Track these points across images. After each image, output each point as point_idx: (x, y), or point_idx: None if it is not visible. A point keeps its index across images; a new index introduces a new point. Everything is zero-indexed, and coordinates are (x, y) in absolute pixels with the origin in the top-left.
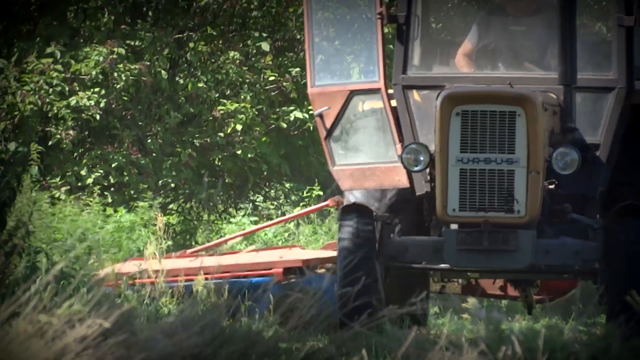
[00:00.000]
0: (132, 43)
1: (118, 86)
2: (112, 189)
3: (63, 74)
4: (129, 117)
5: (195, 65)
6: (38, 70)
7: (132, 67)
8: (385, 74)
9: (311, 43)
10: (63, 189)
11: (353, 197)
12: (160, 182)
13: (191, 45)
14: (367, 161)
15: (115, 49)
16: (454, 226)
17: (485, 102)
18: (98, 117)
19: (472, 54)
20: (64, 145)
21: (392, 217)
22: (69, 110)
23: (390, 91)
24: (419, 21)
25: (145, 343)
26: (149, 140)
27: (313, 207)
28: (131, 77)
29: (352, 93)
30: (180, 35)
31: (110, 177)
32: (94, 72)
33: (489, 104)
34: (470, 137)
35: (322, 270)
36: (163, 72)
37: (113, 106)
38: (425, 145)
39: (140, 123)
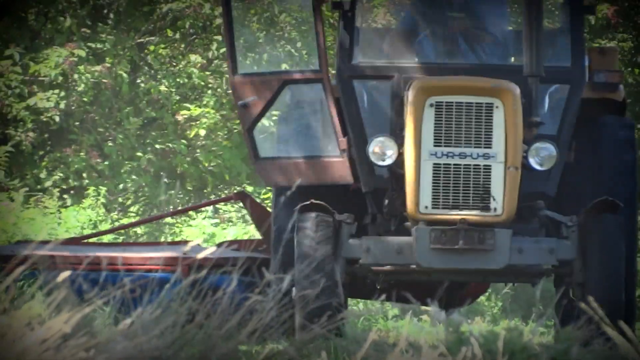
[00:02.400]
0: (93, 45)
1: (78, 88)
2: (71, 192)
3: (22, 76)
4: (89, 120)
5: (156, 69)
6: None
7: (93, 69)
8: (327, 63)
9: (230, 29)
10: (22, 190)
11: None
12: (120, 185)
13: (152, 48)
14: (301, 155)
15: (76, 51)
16: (425, 224)
17: (461, 93)
18: (57, 119)
19: (420, 42)
20: (24, 148)
21: (352, 217)
22: (27, 112)
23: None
24: (364, 7)
25: (106, 345)
26: (110, 144)
27: (213, 199)
28: (91, 80)
29: (285, 83)
30: (141, 40)
31: (70, 180)
32: (53, 74)
33: (465, 95)
34: (445, 130)
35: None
36: (124, 74)
37: (73, 108)
38: (394, 138)
39: (100, 129)
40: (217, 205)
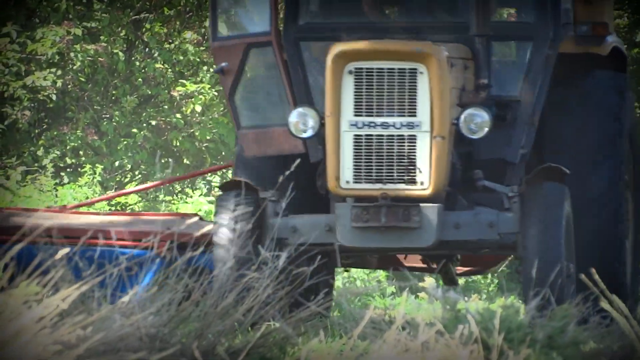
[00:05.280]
0: (89, 24)
1: (75, 67)
2: (68, 169)
3: (19, 54)
4: (85, 98)
5: (152, 47)
6: None
7: (89, 48)
8: (276, 24)
9: None
10: (19, 168)
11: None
12: (116, 163)
13: (147, 26)
14: (267, 124)
15: (72, 30)
16: (350, 200)
17: (382, 58)
18: (54, 97)
19: (368, 1)
20: (20, 126)
21: (279, 194)
22: (25, 91)
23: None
24: None
25: (102, 323)
26: (106, 122)
27: (204, 169)
28: (88, 58)
29: (249, 46)
30: (137, 17)
31: (66, 158)
32: (50, 52)
33: (386, 61)
34: (366, 99)
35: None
36: (120, 53)
37: (69, 87)
38: (315, 109)
39: (96, 107)
40: (212, 183)
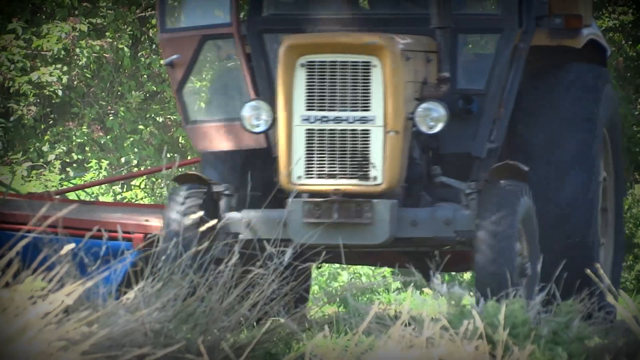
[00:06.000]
0: (95, 20)
1: (80, 63)
2: (73, 165)
3: (25, 50)
4: (91, 94)
5: (157, 43)
6: (0, 46)
7: (94, 44)
8: (238, 15)
9: None
10: (25, 164)
11: (210, 166)
12: (122, 159)
13: (153, 22)
14: (223, 117)
15: (78, 26)
16: (305, 196)
17: (335, 51)
18: (60, 93)
19: None
20: (26, 121)
21: (234, 188)
22: (30, 87)
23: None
24: None
25: (107, 319)
26: (110, 119)
27: (184, 160)
28: (93, 54)
29: (204, 38)
30: (142, 13)
31: (72, 154)
32: (55, 49)
33: (338, 54)
34: (318, 93)
35: None
36: (125, 49)
37: (75, 83)
38: (268, 102)
39: (101, 102)
40: None
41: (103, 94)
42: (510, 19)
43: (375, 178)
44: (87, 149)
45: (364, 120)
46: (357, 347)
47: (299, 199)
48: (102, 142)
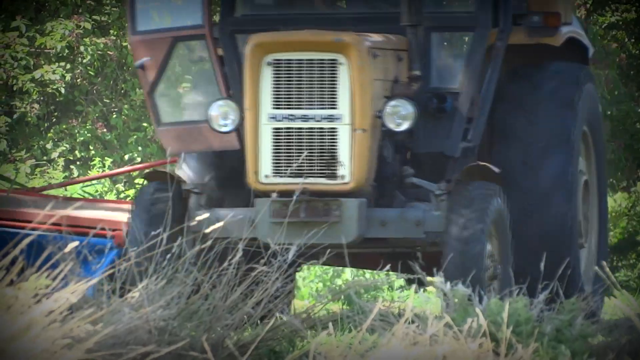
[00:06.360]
0: (98, 18)
1: (84, 60)
2: (78, 162)
3: (28, 48)
4: (94, 91)
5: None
6: (3, 44)
7: (98, 41)
8: (210, 16)
9: None
10: (28, 162)
11: (186, 165)
12: (126, 156)
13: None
14: (195, 119)
15: (81, 24)
16: (274, 195)
17: (302, 49)
18: (63, 91)
19: None
20: (29, 119)
21: (205, 187)
22: (34, 84)
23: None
24: None
25: (111, 316)
26: (114, 116)
27: (150, 162)
28: (97, 52)
29: (176, 40)
30: None
31: (76, 152)
32: (59, 46)
33: (305, 52)
34: (285, 91)
35: None
36: (129, 46)
37: (78, 80)
38: (235, 102)
39: (105, 100)
40: None
41: (107, 91)
42: (483, 17)
43: (343, 177)
44: (90, 146)
45: (331, 118)
46: (361, 344)
47: (266, 198)
48: (106, 139)
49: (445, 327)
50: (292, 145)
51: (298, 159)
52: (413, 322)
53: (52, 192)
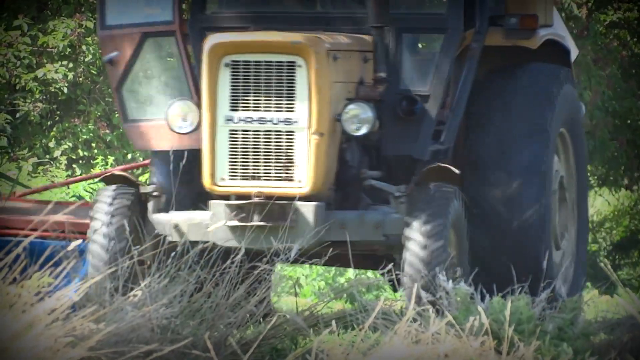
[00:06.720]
0: None
1: (86, 59)
2: (80, 161)
3: (31, 47)
4: (96, 90)
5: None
6: (6, 43)
7: None
8: (180, 13)
9: None
10: (31, 160)
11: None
12: (129, 155)
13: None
14: (160, 117)
15: (84, 22)
16: (233, 198)
17: (260, 50)
18: (65, 90)
19: None
20: (32, 118)
21: (160, 189)
22: (36, 83)
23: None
24: None
25: (114, 315)
26: (116, 115)
27: (133, 164)
28: (99, 51)
29: (145, 35)
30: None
31: (78, 150)
32: (61, 45)
33: (263, 53)
34: (242, 93)
35: None
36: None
37: (81, 79)
38: (194, 102)
39: (107, 99)
40: None
41: (109, 90)
42: (454, 19)
43: (299, 180)
44: (93, 145)
45: (288, 121)
46: (364, 342)
47: (222, 201)
48: (108, 139)
49: (447, 326)
50: (249, 148)
51: (254, 162)
52: (415, 320)
53: (56, 190)
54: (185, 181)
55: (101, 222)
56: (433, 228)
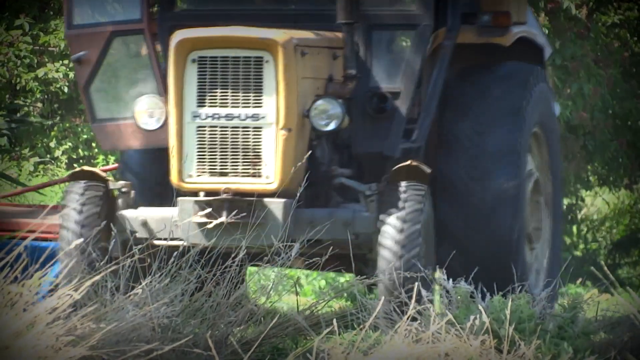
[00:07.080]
0: None
1: None
2: (81, 161)
3: (32, 46)
4: None
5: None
6: (7, 43)
7: None
8: (149, 11)
9: None
10: (32, 159)
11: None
12: None
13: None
14: (127, 116)
15: None
16: (202, 194)
17: (227, 45)
18: (66, 89)
19: None
20: (33, 118)
21: (129, 185)
22: (37, 83)
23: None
24: None
25: (115, 314)
26: None
27: (110, 166)
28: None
29: (113, 34)
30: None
31: (79, 150)
32: (62, 45)
33: (230, 49)
34: (209, 89)
35: None
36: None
37: None
38: (161, 98)
39: None
40: None
41: None
42: (425, 16)
43: (267, 177)
44: (93, 144)
45: (255, 117)
46: (364, 342)
47: (189, 197)
48: None
49: (448, 325)
50: (216, 145)
51: (222, 158)
52: (416, 319)
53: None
54: (154, 178)
55: (73, 209)
56: (405, 231)
